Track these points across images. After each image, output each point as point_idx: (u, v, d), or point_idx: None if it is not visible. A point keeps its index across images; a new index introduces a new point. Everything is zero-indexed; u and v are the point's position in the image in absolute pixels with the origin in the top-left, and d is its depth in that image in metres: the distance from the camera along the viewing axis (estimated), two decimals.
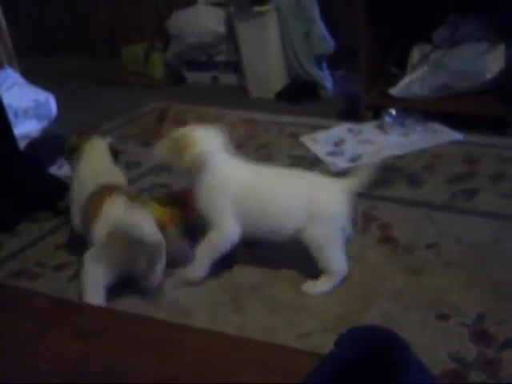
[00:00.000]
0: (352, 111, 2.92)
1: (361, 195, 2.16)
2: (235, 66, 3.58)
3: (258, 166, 1.89)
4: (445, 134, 2.62)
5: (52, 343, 0.69)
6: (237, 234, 1.74)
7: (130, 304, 1.66)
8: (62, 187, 2.20)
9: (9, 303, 0.80)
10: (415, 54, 2.84)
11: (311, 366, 0.52)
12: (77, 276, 1.78)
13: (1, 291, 0.84)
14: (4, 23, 3.40)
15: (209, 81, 3.74)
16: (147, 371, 0.64)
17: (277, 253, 1.89)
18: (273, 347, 0.66)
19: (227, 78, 3.67)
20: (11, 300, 0.81)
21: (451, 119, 2.65)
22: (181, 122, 2.96)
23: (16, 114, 3.02)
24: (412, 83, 2.76)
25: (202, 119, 3.03)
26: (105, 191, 1.76)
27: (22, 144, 2.61)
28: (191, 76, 3.80)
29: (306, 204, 1.69)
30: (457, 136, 2.59)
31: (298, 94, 3.26)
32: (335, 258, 1.71)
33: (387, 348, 0.45)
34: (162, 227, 1.72)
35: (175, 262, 1.80)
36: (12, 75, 3.24)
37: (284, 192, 1.74)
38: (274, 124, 2.97)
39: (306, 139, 2.73)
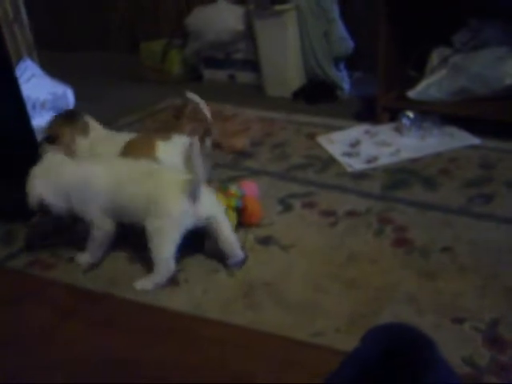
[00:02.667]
0: (369, 113, 2.92)
1: (376, 197, 2.18)
2: (253, 65, 3.58)
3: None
4: (462, 139, 2.61)
5: (71, 331, 0.69)
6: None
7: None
8: None
9: (28, 292, 0.81)
10: (434, 56, 2.83)
11: (331, 363, 0.52)
12: (91, 268, 1.79)
13: (20, 280, 0.84)
14: (25, 15, 3.42)
15: (226, 79, 3.75)
16: (166, 361, 0.64)
17: (290, 251, 1.89)
18: (293, 343, 0.66)
19: (244, 77, 3.67)
20: (30, 289, 0.81)
21: (469, 123, 2.64)
22: (197, 119, 2.97)
23: (34, 106, 3.04)
24: (430, 86, 2.75)
25: (218, 117, 3.04)
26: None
27: (38, 136, 2.63)
28: (208, 73, 3.80)
29: (146, 200, 1.75)
30: (474, 140, 2.58)
31: (315, 94, 3.26)
32: (163, 257, 1.73)
33: (414, 346, 0.45)
34: None
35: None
36: (31, 67, 3.26)
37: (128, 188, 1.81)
38: (291, 123, 2.97)
39: (322, 139, 2.73)
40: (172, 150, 2.01)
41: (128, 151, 2.03)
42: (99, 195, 1.83)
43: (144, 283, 1.71)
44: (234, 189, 2.02)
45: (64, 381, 0.63)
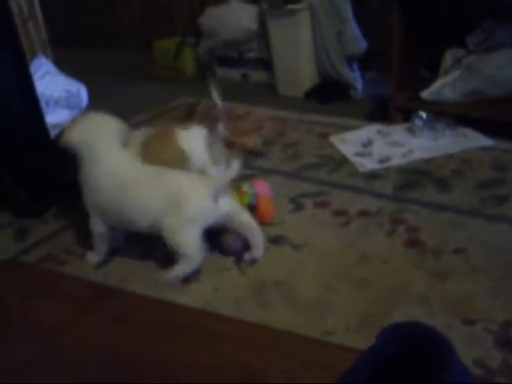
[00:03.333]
0: (381, 113, 2.91)
1: (389, 197, 2.17)
2: (265, 64, 3.58)
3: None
4: (475, 140, 2.60)
5: (86, 326, 0.70)
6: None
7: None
8: None
9: (43, 287, 0.81)
10: (448, 57, 2.82)
11: (345, 361, 0.52)
12: (101, 266, 1.80)
13: (35, 274, 0.85)
14: (40, 12, 3.44)
15: (238, 77, 3.75)
16: (178, 357, 0.65)
17: (302, 250, 1.89)
18: (306, 340, 0.66)
19: (257, 76, 3.68)
20: (45, 283, 0.82)
21: (482, 125, 2.63)
22: (210, 117, 2.98)
23: (48, 103, 3.06)
24: (444, 87, 2.74)
25: (231, 115, 3.05)
26: None
27: (52, 133, 2.64)
28: (221, 72, 3.81)
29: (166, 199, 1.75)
30: (487, 142, 2.57)
31: (328, 93, 3.26)
32: (189, 251, 1.74)
33: (430, 345, 0.45)
34: None
35: (226, 251, 1.89)
36: (45, 64, 3.27)
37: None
38: (303, 123, 2.97)
39: (334, 139, 2.73)
40: (194, 138, 1.98)
41: (149, 145, 2.00)
42: (97, 195, 1.84)
43: (173, 273, 1.72)
44: (245, 187, 2.03)
45: (77, 374, 0.63)
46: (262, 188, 2.10)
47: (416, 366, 0.45)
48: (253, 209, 2.00)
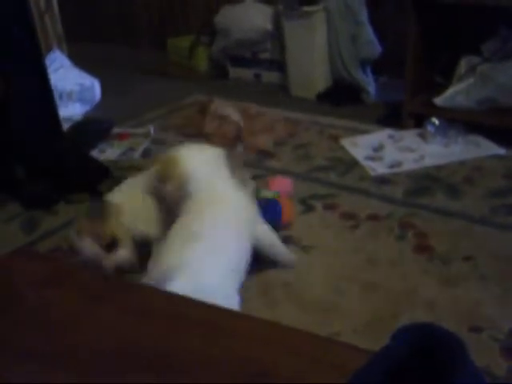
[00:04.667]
0: (393, 118, 2.91)
1: (399, 202, 2.17)
2: (279, 65, 3.58)
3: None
4: (486, 148, 2.59)
5: (99, 319, 0.70)
6: None
7: None
8: (102, 171, 2.23)
9: (57, 276, 0.82)
10: (463, 64, 2.81)
11: (356, 361, 0.53)
12: None
13: (49, 264, 0.85)
14: (56, 7, 3.46)
15: (251, 77, 3.75)
16: (191, 352, 0.65)
17: (310, 252, 1.90)
18: (319, 339, 0.66)
19: (270, 76, 3.68)
20: (59, 273, 0.83)
21: (494, 133, 2.62)
22: (222, 116, 2.98)
23: (61, 97, 3.07)
24: (457, 94, 2.73)
25: (243, 115, 3.05)
26: None
27: (64, 126, 2.66)
28: (234, 72, 3.82)
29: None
30: (499, 150, 2.56)
31: (340, 96, 3.26)
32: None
33: (445, 347, 0.45)
34: None
35: None
36: (60, 58, 3.29)
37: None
38: (314, 125, 2.97)
39: (345, 142, 2.73)
40: (200, 162, 1.82)
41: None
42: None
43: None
44: (269, 194, 2.03)
45: (90, 365, 0.64)
46: (284, 185, 2.10)
47: (429, 368, 0.46)
48: None
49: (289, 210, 2.04)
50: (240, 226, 1.66)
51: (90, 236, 1.72)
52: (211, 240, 1.55)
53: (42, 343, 0.67)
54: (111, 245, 1.73)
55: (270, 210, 1.89)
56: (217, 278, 1.49)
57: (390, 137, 2.76)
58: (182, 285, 1.37)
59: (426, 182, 2.32)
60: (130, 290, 0.75)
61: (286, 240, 1.96)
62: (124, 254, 1.73)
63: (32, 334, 0.69)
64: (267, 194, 2.02)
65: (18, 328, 0.70)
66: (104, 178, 2.16)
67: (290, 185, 2.16)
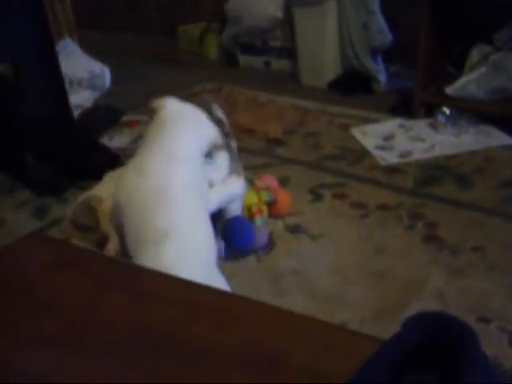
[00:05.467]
0: (404, 107, 2.89)
1: (408, 192, 2.17)
2: (289, 53, 3.57)
3: None
4: (497, 138, 2.58)
5: (111, 304, 0.71)
6: None
7: None
8: (112, 158, 2.24)
9: (67, 261, 0.82)
10: (475, 54, 2.79)
11: (367, 348, 0.53)
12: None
13: (59, 249, 0.86)
14: None
15: (261, 65, 3.74)
16: (203, 338, 0.65)
17: (319, 240, 1.90)
18: (331, 326, 0.67)
19: (280, 64, 3.67)
20: (70, 258, 0.83)
21: (505, 123, 2.61)
22: (231, 104, 2.98)
23: (71, 84, 3.07)
24: (469, 84, 2.71)
25: (253, 103, 3.05)
26: None
27: (75, 113, 2.67)
28: (244, 59, 3.80)
29: None
30: (510, 141, 2.55)
31: (351, 85, 3.24)
32: None
33: (456, 337, 0.45)
34: (250, 215, 1.89)
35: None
36: (70, 45, 3.29)
37: None
38: (324, 113, 2.96)
39: (355, 131, 2.72)
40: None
41: None
42: None
43: None
44: (259, 183, 2.04)
45: (100, 350, 0.64)
46: (271, 182, 2.10)
47: (440, 357, 0.46)
48: (272, 204, 2.00)
49: (285, 202, 2.05)
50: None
51: (77, 239, 1.71)
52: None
53: (55, 328, 0.67)
54: (102, 240, 1.72)
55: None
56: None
57: (401, 126, 2.75)
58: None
59: (436, 171, 2.31)
60: (142, 275, 0.76)
61: (295, 229, 1.97)
62: (112, 247, 1.72)
63: (44, 319, 0.69)
64: (259, 184, 2.04)
65: (30, 313, 0.70)
66: (113, 165, 2.16)
67: (275, 180, 2.15)
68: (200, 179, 1.64)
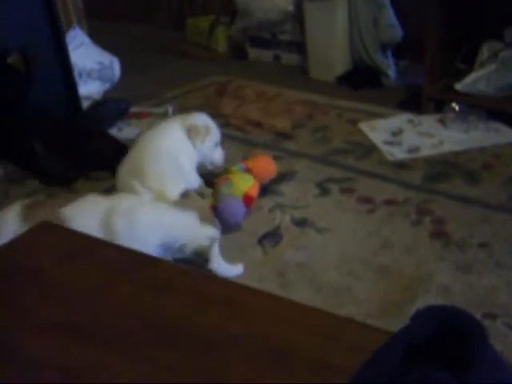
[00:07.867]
0: (413, 102, 2.88)
1: (416, 188, 2.16)
2: (298, 47, 3.56)
3: None
4: (506, 135, 2.57)
5: (122, 293, 0.72)
6: None
7: None
8: (121, 149, 2.24)
9: (78, 250, 0.83)
10: (485, 50, 2.78)
11: (374, 341, 0.53)
12: None
13: (70, 238, 0.87)
14: None
15: (270, 59, 3.74)
16: (210, 329, 0.66)
17: (325, 234, 1.90)
18: (338, 318, 0.67)
19: (289, 58, 3.66)
20: (80, 247, 0.84)
21: None
22: (240, 97, 2.98)
23: (80, 74, 3.08)
24: (478, 80, 2.70)
25: (261, 96, 3.05)
26: None
27: (84, 104, 2.67)
28: (253, 52, 3.80)
29: None
30: None
31: (360, 79, 3.23)
32: None
33: (465, 331, 0.45)
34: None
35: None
36: (80, 35, 3.29)
37: None
38: (333, 108, 2.96)
39: (364, 126, 2.72)
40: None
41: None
42: None
43: None
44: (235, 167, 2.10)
45: (111, 339, 0.65)
46: (261, 160, 2.15)
47: (449, 350, 0.46)
48: (250, 172, 2.06)
49: (266, 166, 2.11)
50: None
51: None
52: None
53: (66, 317, 0.68)
54: None
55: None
56: None
57: (409, 121, 2.74)
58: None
59: (444, 167, 2.31)
60: (152, 266, 0.76)
61: (302, 222, 1.97)
62: None
63: (55, 307, 0.70)
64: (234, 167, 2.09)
65: (41, 301, 0.71)
66: (122, 156, 2.17)
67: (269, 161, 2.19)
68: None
